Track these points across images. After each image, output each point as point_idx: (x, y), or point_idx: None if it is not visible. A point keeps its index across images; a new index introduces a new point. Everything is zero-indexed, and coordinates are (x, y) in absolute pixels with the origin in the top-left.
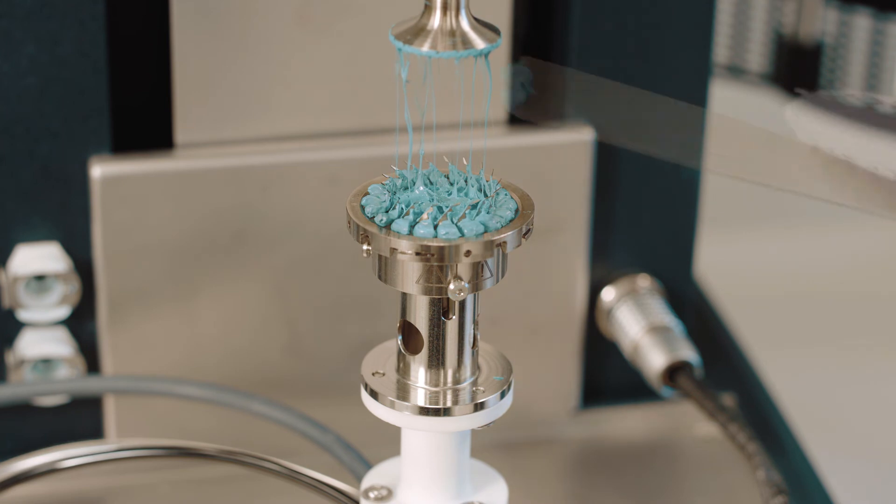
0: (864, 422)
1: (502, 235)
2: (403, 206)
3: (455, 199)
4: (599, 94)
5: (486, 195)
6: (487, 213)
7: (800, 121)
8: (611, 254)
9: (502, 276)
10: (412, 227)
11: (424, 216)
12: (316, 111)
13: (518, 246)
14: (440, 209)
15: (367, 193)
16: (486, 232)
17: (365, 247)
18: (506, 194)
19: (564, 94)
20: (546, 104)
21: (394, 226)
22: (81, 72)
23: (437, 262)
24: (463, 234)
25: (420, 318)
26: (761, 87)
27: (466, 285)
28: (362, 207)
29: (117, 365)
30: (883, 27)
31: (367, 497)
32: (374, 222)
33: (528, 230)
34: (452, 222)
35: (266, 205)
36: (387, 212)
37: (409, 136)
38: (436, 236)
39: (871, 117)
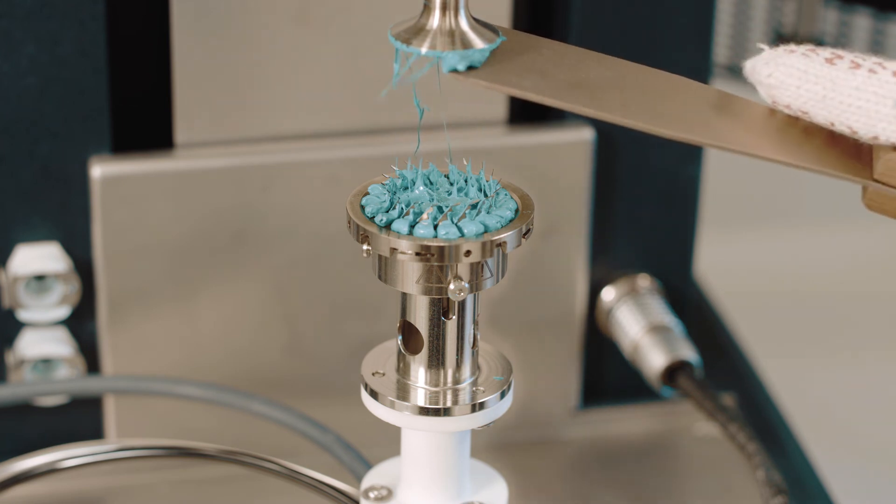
0: (864, 422)
1: (502, 235)
2: (403, 206)
3: (455, 199)
4: (547, 55)
5: (486, 195)
6: (487, 213)
7: (758, 74)
8: (611, 254)
9: (502, 276)
10: (412, 227)
11: (424, 216)
12: (316, 111)
13: (518, 246)
14: (440, 209)
15: (367, 193)
16: (486, 232)
17: (365, 247)
18: (506, 194)
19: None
20: (494, 69)
21: (394, 226)
22: (81, 72)
23: (437, 262)
24: (463, 234)
25: (420, 318)
26: None
27: (466, 285)
28: (362, 207)
29: (117, 365)
30: (883, 27)
31: (367, 497)
32: (374, 222)
33: (528, 230)
34: (452, 222)
35: (266, 205)
36: (387, 212)
37: (417, 135)
38: (436, 236)
39: (831, 71)
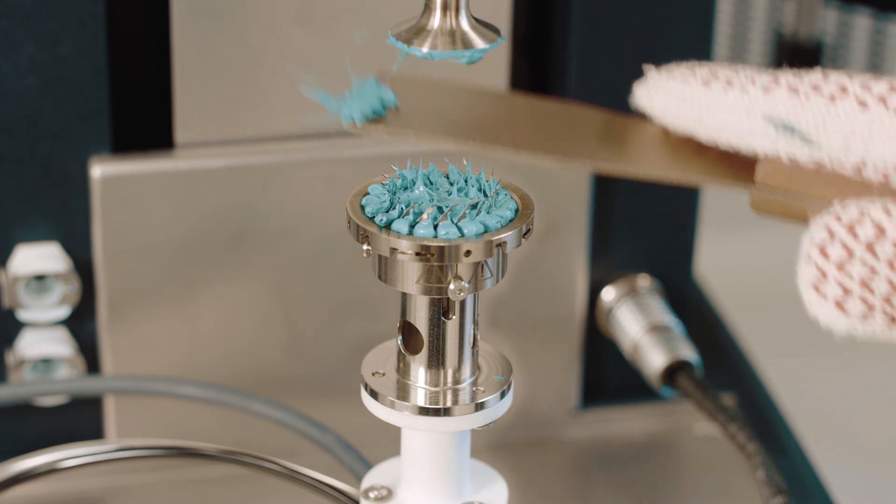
0: (864, 422)
1: (502, 235)
2: (403, 206)
3: (455, 199)
4: (444, 98)
5: (486, 195)
6: (487, 213)
7: (639, 100)
8: (611, 254)
9: (502, 276)
10: (412, 227)
11: (424, 216)
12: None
13: (518, 246)
14: (440, 209)
15: (367, 193)
16: (486, 232)
17: (365, 247)
18: (506, 194)
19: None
20: (394, 119)
21: (394, 226)
22: (81, 72)
23: (437, 262)
24: (463, 234)
25: (420, 318)
26: None
27: (466, 285)
28: (362, 207)
29: (117, 365)
30: (883, 27)
31: (367, 497)
32: (374, 222)
33: (528, 230)
34: (452, 222)
35: (266, 205)
36: (387, 212)
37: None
38: (436, 236)
39: (705, 93)
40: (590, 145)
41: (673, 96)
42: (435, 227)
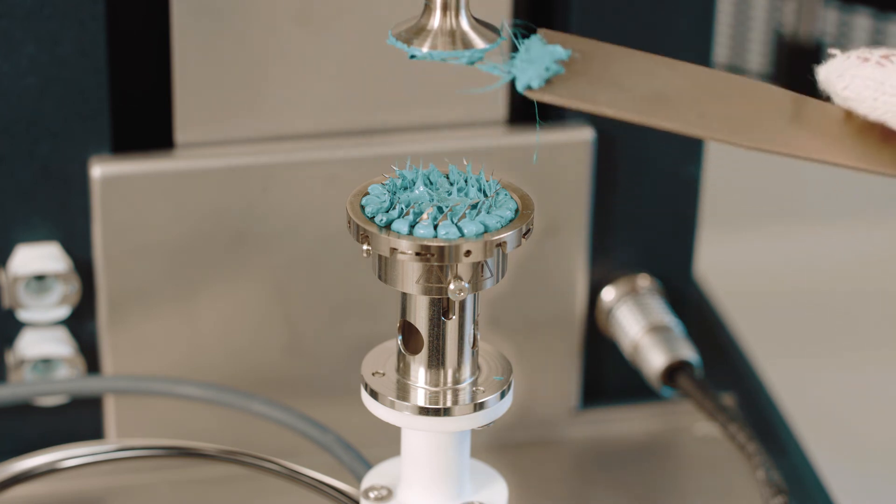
0: (864, 422)
1: (502, 235)
2: (403, 206)
3: (455, 199)
4: (620, 64)
5: (486, 195)
6: (487, 213)
7: (833, 86)
8: (611, 254)
9: (502, 276)
10: (412, 227)
11: (424, 216)
12: (316, 111)
13: (518, 246)
14: (440, 209)
15: (367, 193)
16: (486, 232)
17: (365, 247)
18: (506, 194)
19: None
20: (569, 84)
21: (394, 226)
22: (81, 72)
23: (437, 262)
24: (463, 234)
25: (420, 318)
26: None
27: (466, 285)
28: (362, 207)
29: (117, 365)
30: (883, 27)
31: (367, 497)
32: (374, 222)
33: (528, 230)
34: (452, 222)
35: (266, 205)
36: (387, 212)
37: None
38: (436, 236)
39: None
40: (779, 129)
41: (871, 83)
42: (435, 227)
